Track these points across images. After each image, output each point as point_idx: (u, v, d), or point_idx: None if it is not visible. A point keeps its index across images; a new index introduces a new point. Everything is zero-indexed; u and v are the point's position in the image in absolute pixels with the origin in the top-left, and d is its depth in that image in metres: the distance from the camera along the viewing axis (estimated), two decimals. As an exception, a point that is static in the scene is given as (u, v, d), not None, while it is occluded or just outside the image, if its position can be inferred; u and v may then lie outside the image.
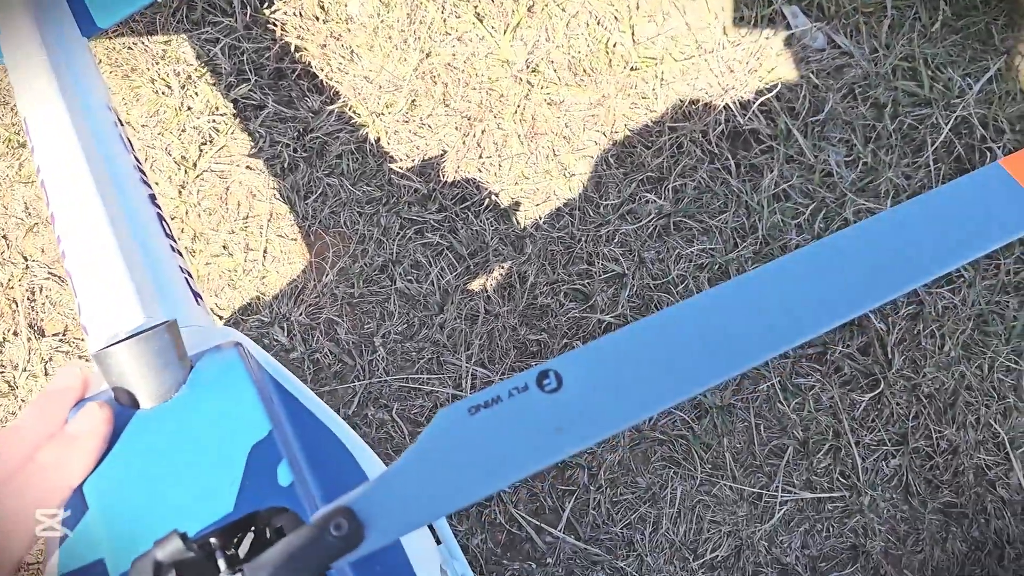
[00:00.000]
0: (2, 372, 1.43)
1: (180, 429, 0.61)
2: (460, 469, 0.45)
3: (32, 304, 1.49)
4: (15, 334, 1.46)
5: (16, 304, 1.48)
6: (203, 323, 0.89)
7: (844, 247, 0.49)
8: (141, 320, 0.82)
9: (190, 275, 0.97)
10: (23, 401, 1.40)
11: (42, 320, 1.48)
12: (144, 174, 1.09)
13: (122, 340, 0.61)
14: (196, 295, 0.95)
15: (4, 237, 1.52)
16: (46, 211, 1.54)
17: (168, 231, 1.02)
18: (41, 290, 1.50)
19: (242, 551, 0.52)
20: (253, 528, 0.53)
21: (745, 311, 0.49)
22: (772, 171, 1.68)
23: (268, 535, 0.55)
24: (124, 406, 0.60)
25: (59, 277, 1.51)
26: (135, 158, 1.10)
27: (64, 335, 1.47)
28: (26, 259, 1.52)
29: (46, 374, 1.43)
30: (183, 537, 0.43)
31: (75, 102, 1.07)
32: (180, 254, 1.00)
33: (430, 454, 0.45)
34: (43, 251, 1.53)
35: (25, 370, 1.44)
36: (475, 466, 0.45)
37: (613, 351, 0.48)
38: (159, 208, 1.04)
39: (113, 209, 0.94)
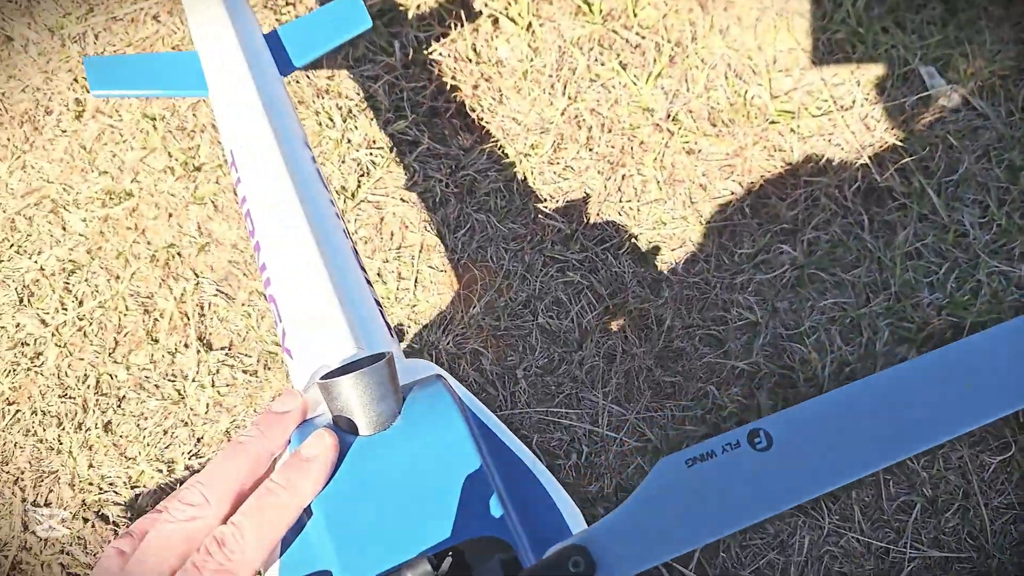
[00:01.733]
0: (173, 381, 1.48)
1: (398, 457, 0.62)
2: (679, 518, 0.45)
3: (202, 319, 1.53)
4: (186, 346, 1.50)
5: (187, 318, 1.52)
6: (398, 354, 0.91)
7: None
8: (353, 351, 0.84)
9: (381, 307, 1.00)
10: (191, 409, 1.45)
11: (210, 334, 1.52)
12: (336, 207, 1.12)
13: (346, 371, 0.64)
14: (388, 326, 0.98)
15: (179, 254, 1.57)
16: (240, 234, 1.59)
17: (361, 263, 1.05)
18: (210, 306, 1.54)
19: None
20: (451, 553, 0.55)
21: (941, 387, 0.50)
22: (906, 229, 1.65)
23: (468, 562, 0.56)
24: (345, 432, 0.62)
25: (227, 295, 1.55)
26: (329, 191, 1.13)
27: (230, 349, 1.51)
28: (197, 276, 1.56)
29: (213, 385, 1.46)
30: (431, 561, 0.44)
31: (280, 136, 1.11)
32: (371, 285, 1.03)
33: (651, 501, 0.45)
34: (212, 269, 1.57)
35: (194, 380, 1.47)
36: (692, 517, 0.45)
37: (820, 414, 0.48)
38: (352, 241, 1.07)
39: (321, 240, 0.97)
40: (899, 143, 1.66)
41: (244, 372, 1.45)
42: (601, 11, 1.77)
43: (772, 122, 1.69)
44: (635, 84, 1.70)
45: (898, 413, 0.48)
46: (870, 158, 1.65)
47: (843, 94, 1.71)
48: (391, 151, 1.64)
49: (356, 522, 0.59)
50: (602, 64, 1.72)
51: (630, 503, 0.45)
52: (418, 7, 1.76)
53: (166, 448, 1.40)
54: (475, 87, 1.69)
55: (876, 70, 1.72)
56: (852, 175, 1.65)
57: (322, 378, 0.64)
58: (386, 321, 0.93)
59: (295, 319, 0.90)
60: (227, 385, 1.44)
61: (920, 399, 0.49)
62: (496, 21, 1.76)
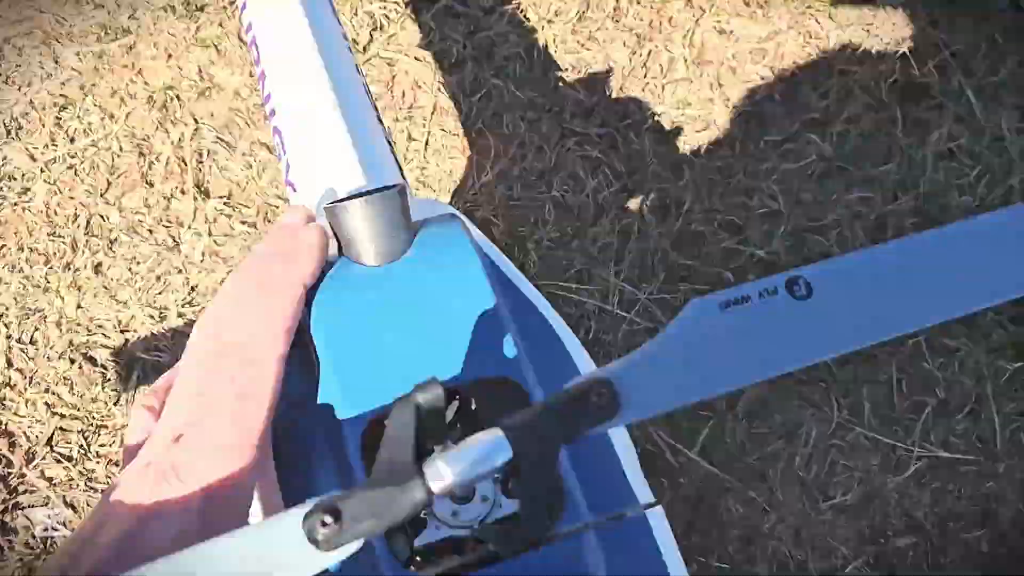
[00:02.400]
0: (168, 227, 1.40)
1: (407, 290, 0.57)
2: (708, 361, 0.43)
3: (200, 166, 1.44)
4: (182, 192, 1.42)
5: (185, 164, 1.44)
6: (410, 191, 0.85)
7: None
8: (363, 182, 0.78)
9: (392, 144, 0.94)
10: (186, 256, 1.37)
11: (208, 182, 1.43)
12: (348, 41, 1.04)
13: (354, 197, 0.58)
14: (399, 164, 0.92)
15: (178, 97, 1.47)
16: (252, 67, 1.50)
17: (372, 101, 0.98)
18: (209, 153, 1.45)
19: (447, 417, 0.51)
20: (458, 397, 0.52)
21: (988, 251, 0.47)
22: (940, 128, 1.58)
23: (473, 406, 0.53)
24: (352, 262, 0.57)
25: (227, 143, 1.46)
26: (341, 25, 1.06)
27: (229, 199, 1.42)
28: (196, 121, 1.47)
29: (210, 234, 1.38)
30: (442, 385, 0.42)
31: None
32: (382, 123, 0.96)
33: (680, 341, 0.43)
34: (212, 115, 1.47)
35: (190, 228, 1.40)
36: (722, 360, 0.43)
37: (862, 267, 0.46)
38: (364, 76, 1.00)
39: (330, 66, 0.90)
40: (941, 38, 1.58)
41: (243, 223, 1.38)
42: None
43: (809, 7, 1.60)
44: (669, -44, 1.61)
45: (942, 274, 0.46)
46: (909, 51, 1.57)
47: (886, -17, 1.62)
48: (406, 6, 1.54)
49: (360, 355, 0.54)
50: (636, -67, 1.62)
51: (657, 342, 0.43)
52: None
53: (159, 294, 1.34)
54: (500, -54, 1.60)
55: (923, -40, 1.64)
56: (889, 68, 1.57)
57: (327, 204, 0.59)
58: (396, 159, 0.87)
59: (301, 150, 0.84)
60: (224, 235, 1.37)
61: (965, 262, 0.46)
62: None
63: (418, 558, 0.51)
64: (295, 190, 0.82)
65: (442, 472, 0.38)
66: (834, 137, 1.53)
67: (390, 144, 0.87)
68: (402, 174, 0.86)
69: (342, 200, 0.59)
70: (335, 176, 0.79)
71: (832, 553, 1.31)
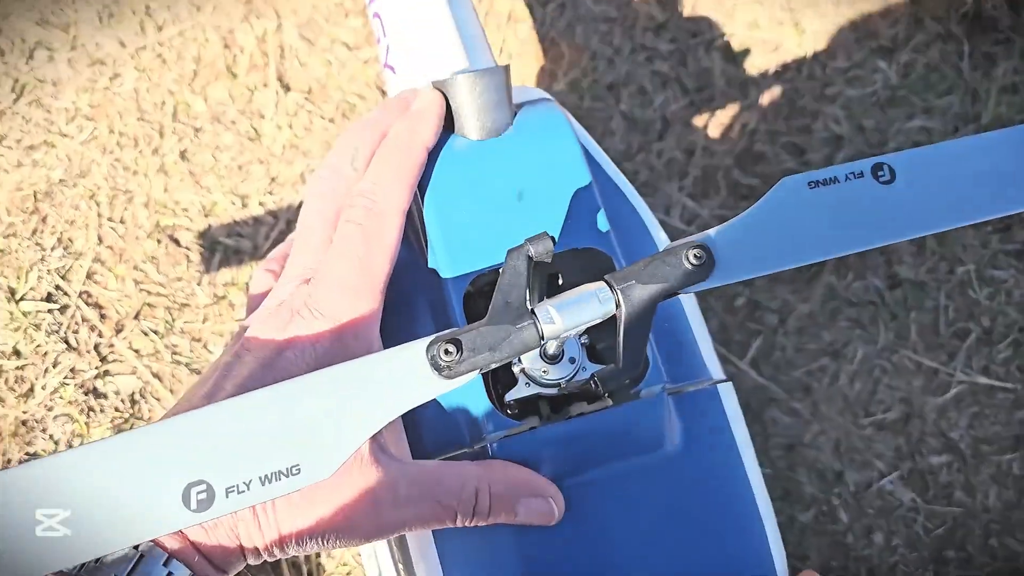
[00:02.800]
0: (250, 118, 1.45)
1: (509, 164, 0.61)
2: (797, 232, 0.47)
3: (282, 60, 1.48)
4: (265, 85, 1.46)
5: (267, 57, 1.48)
6: None
7: None
8: (466, 63, 0.82)
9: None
10: (267, 148, 1.43)
11: (289, 77, 1.47)
12: None
13: (461, 72, 0.62)
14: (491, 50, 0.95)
15: None
16: None
17: None
18: (291, 48, 1.49)
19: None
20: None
21: None
22: (1007, 62, 1.60)
23: (560, 280, 0.57)
24: (452, 134, 0.60)
25: (308, 40, 1.49)
26: None
27: (309, 94, 1.46)
28: (279, 16, 1.49)
29: (290, 127, 1.43)
30: (552, 240, 0.45)
31: None
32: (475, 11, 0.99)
33: (772, 214, 0.47)
34: (295, 12, 1.51)
35: (271, 120, 1.45)
36: (809, 233, 0.47)
37: (943, 157, 0.49)
38: None
39: None
40: (1016, -29, 1.58)
41: (321, 118, 1.42)
42: None
43: (887, -67, 1.60)
44: None
45: (1013, 170, 0.49)
46: (984, -17, 1.57)
47: (965, -87, 1.61)
48: (487, -86, 1.56)
49: (463, 221, 0.58)
50: None
51: (751, 213, 0.46)
52: None
53: (241, 182, 1.39)
54: None
55: None
56: (960, 0, 1.58)
57: (434, 81, 0.62)
58: (490, 46, 0.90)
59: (403, 33, 0.88)
60: (304, 129, 1.41)
61: None
62: None
63: (509, 411, 0.56)
64: (395, 72, 0.86)
65: (553, 316, 0.42)
66: (900, 66, 1.54)
67: (484, 34, 0.91)
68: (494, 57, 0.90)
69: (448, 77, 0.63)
70: (439, 58, 0.83)
71: (868, 466, 1.38)
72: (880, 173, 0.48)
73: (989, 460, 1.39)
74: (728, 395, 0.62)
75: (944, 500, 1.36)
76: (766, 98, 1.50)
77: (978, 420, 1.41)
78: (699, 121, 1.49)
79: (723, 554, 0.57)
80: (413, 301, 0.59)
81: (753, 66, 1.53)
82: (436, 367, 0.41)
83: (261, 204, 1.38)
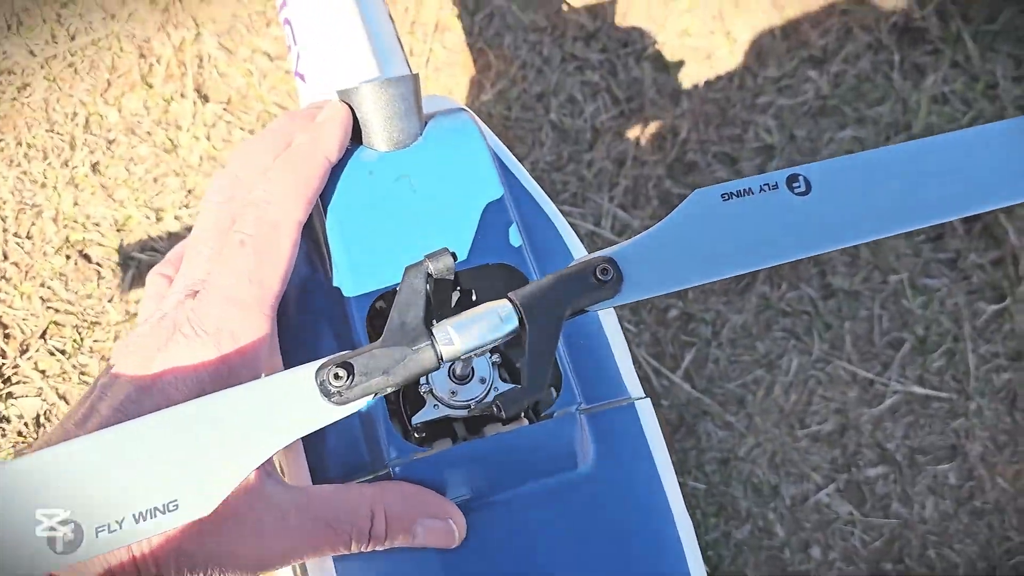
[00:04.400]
0: (166, 129, 1.41)
1: (417, 175, 0.59)
2: (708, 247, 0.45)
3: (200, 70, 1.44)
4: (182, 95, 1.42)
5: (185, 67, 1.44)
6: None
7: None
8: (376, 72, 0.79)
9: (400, 40, 0.95)
10: (184, 160, 1.38)
11: (208, 87, 1.44)
12: None
13: (368, 81, 0.60)
14: (406, 58, 0.93)
15: (180, 1, 1.49)
16: None
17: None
18: (209, 58, 1.45)
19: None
20: (459, 285, 0.54)
21: (980, 160, 0.49)
22: (936, 72, 1.61)
23: (474, 296, 0.55)
24: (362, 147, 0.59)
25: (228, 49, 1.45)
26: None
27: (228, 105, 1.42)
28: (198, 25, 1.45)
29: (208, 139, 1.39)
30: (453, 256, 0.43)
31: None
32: (392, 19, 0.97)
33: (684, 227, 0.45)
34: (214, 20, 1.46)
35: (188, 131, 1.40)
36: (721, 246, 0.46)
37: (859, 167, 0.48)
38: None
39: None
40: (944, -18, 1.60)
41: (241, 129, 1.39)
42: None
43: (816, -56, 1.61)
44: None
45: (934, 179, 0.48)
46: (912, -6, 1.59)
47: (893, -75, 1.63)
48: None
49: (369, 236, 0.55)
50: None
51: (661, 227, 0.45)
52: None
53: (155, 195, 1.34)
54: None
55: (931, -96, 1.64)
56: (890, 10, 1.58)
57: (340, 89, 0.59)
58: (405, 55, 0.88)
59: (312, 40, 0.85)
60: (223, 140, 1.37)
61: (956, 169, 0.48)
62: None
63: (415, 435, 0.53)
64: (304, 80, 0.84)
65: (452, 337, 0.40)
66: (832, 75, 1.54)
67: (399, 40, 0.89)
68: (408, 64, 0.88)
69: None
70: (348, 66, 0.80)
71: (804, 479, 1.36)
72: (795, 184, 0.46)
73: (925, 471, 1.38)
74: (646, 413, 0.59)
75: (881, 512, 1.35)
76: (697, 107, 1.49)
77: (913, 430, 1.40)
78: (630, 131, 1.47)
79: (639, 574, 0.54)
80: (315, 322, 0.56)
81: (684, 75, 1.52)
82: (326, 393, 0.39)
83: (177, 218, 1.34)
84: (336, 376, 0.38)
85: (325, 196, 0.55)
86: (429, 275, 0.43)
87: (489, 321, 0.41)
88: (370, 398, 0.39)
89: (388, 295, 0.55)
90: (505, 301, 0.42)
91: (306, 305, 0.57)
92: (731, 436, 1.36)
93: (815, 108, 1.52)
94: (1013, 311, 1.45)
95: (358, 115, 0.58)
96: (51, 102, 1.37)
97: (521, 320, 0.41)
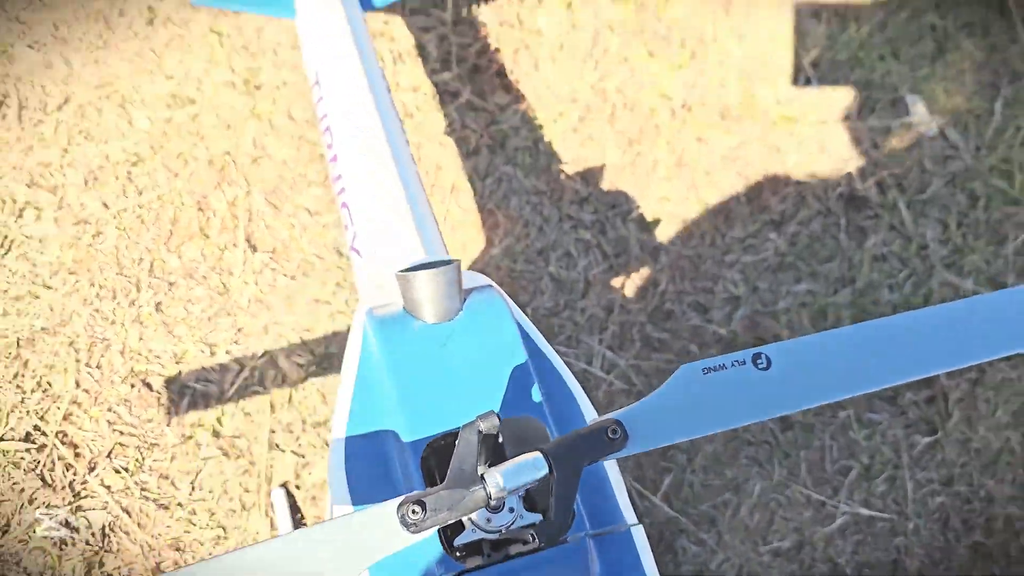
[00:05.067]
0: (220, 275, 1.61)
1: (459, 344, 0.76)
2: (695, 410, 0.60)
3: (250, 223, 1.66)
4: (234, 245, 1.63)
5: (237, 220, 1.67)
6: None
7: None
8: (423, 256, 1.01)
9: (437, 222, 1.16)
10: (235, 302, 1.59)
11: (256, 238, 1.66)
12: (403, 128, 1.27)
13: (420, 268, 0.76)
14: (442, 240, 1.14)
15: (234, 162, 1.68)
16: (290, 153, 1.71)
17: (421, 182, 1.20)
18: (258, 213, 1.68)
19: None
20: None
21: (905, 342, 0.66)
22: (876, 235, 1.88)
23: (499, 439, 0.67)
24: (414, 318, 0.76)
25: (274, 205, 1.67)
26: (398, 114, 1.28)
27: (273, 254, 1.64)
28: (248, 184, 1.69)
29: (256, 284, 1.59)
30: (498, 416, 0.57)
31: (365, 63, 1.25)
32: (430, 203, 1.18)
33: (674, 395, 0.60)
34: (263, 180, 1.70)
35: (239, 277, 1.62)
36: (704, 410, 0.60)
37: (812, 348, 0.63)
38: (414, 162, 1.22)
39: (397, 157, 1.12)
40: (881, 159, 1.88)
41: (284, 276, 1.60)
42: (636, 0, 1.95)
43: (774, 124, 1.90)
44: (659, 71, 1.90)
45: (872, 354, 0.65)
46: (855, 169, 1.87)
47: (839, 109, 1.92)
48: (434, 98, 1.80)
49: (421, 391, 0.75)
50: (632, 48, 1.91)
51: (657, 394, 0.61)
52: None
53: (209, 332, 1.55)
54: (515, 51, 1.86)
55: (870, 92, 1.94)
56: (837, 181, 1.86)
57: (399, 271, 0.80)
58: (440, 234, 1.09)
59: (369, 224, 1.06)
60: (269, 285, 1.59)
61: (891, 346, 0.66)
62: (541, -6, 1.93)
63: (458, 553, 0.71)
64: (360, 255, 1.04)
65: (499, 482, 0.56)
66: (788, 236, 1.81)
67: (435, 220, 1.10)
68: (444, 246, 1.09)
69: (409, 270, 0.81)
70: (401, 250, 1.02)
71: (767, 590, 1.56)
72: (759, 361, 0.65)
73: (871, 584, 1.59)
74: (640, 536, 0.78)
75: (833, 622, 1.55)
76: (674, 262, 1.74)
77: (861, 547, 1.62)
78: (617, 282, 1.72)
79: None
80: (378, 457, 0.75)
81: (663, 235, 1.77)
82: (405, 524, 0.54)
83: (228, 352, 1.54)
84: (413, 511, 0.53)
85: (385, 358, 0.73)
86: (480, 432, 0.57)
87: (527, 469, 0.57)
88: (436, 528, 0.54)
89: (435, 441, 0.72)
90: (538, 454, 0.57)
91: (370, 445, 0.76)
92: (703, 551, 1.56)
93: (774, 264, 1.77)
94: (944, 443, 1.69)
95: (413, 294, 0.76)
96: (121, 249, 1.58)
97: (550, 468, 0.57)
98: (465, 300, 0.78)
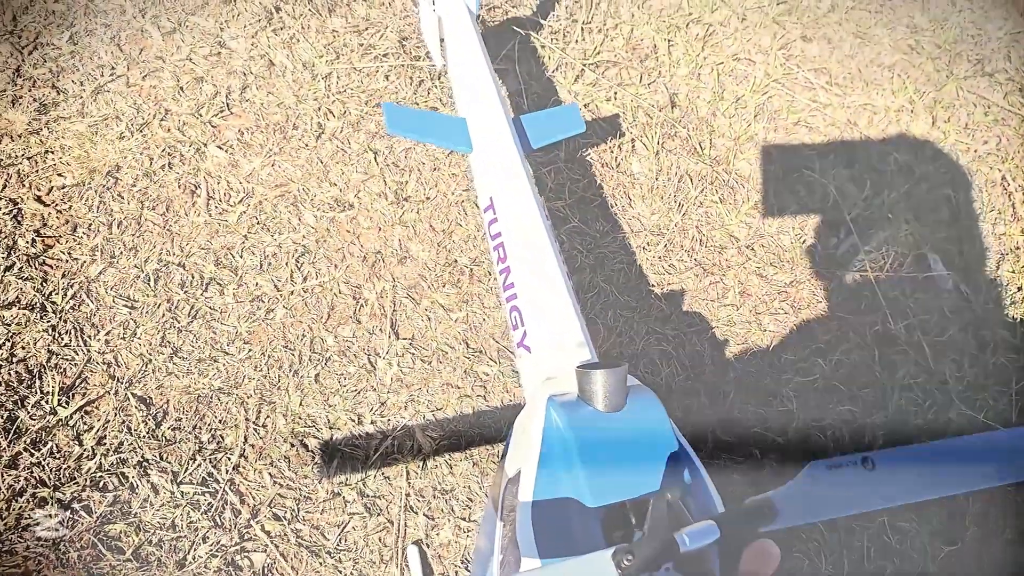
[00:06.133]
0: (368, 355, 1.81)
1: (625, 431, 0.86)
2: (824, 497, 0.70)
3: (394, 312, 1.87)
4: (380, 330, 1.83)
5: (384, 309, 1.87)
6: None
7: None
8: (589, 356, 1.19)
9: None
10: (380, 379, 1.78)
11: (399, 325, 1.87)
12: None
13: (597, 367, 0.87)
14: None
15: (383, 260, 1.89)
16: (431, 256, 1.92)
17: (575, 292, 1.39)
18: (400, 304, 1.89)
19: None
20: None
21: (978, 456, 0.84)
22: (904, 368, 2.13)
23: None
24: (589, 406, 0.88)
25: (414, 299, 1.89)
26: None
27: (412, 341, 1.85)
28: (394, 279, 1.91)
29: (398, 365, 1.79)
30: (681, 490, 0.68)
31: (535, 194, 1.47)
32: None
33: (808, 483, 0.70)
34: (405, 277, 1.92)
35: (384, 358, 1.81)
36: (828, 499, 0.70)
37: (906, 455, 0.75)
38: (570, 276, 1.42)
39: (563, 271, 1.32)
40: (909, 305, 2.14)
41: (422, 361, 1.80)
42: (710, 155, 2.23)
43: (821, 268, 2.16)
44: (728, 215, 2.16)
45: (949, 466, 0.78)
46: (888, 311, 2.12)
47: (875, 259, 2.19)
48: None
49: (599, 465, 0.89)
50: (706, 195, 2.17)
51: (795, 483, 0.71)
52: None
53: (358, 404, 1.73)
54: (614, 189, 2.12)
55: (898, 247, 2.22)
56: (873, 320, 2.11)
57: (579, 367, 0.93)
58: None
59: (539, 325, 1.24)
60: (408, 368, 1.78)
61: (961, 462, 0.79)
62: (633, 143, 2.21)
63: None
64: (530, 351, 1.22)
65: (687, 539, 0.65)
66: (833, 363, 2.04)
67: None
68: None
69: (586, 366, 0.93)
70: (569, 350, 1.19)
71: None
72: (867, 463, 0.81)
73: (901, 670, 1.76)
74: None
75: None
76: (741, 377, 1.96)
77: (892, 638, 1.79)
78: (692, 390, 1.93)
79: None
80: (564, 518, 0.85)
81: (731, 352, 2.00)
82: (619, 566, 0.62)
83: (373, 423, 1.71)
84: (627, 559, 0.62)
85: (568, 436, 0.85)
86: (668, 501, 0.69)
87: (706, 533, 0.66)
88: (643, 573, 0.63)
89: (612, 505, 0.83)
90: (712, 522, 0.67)
91: (557, 508, 0.93)
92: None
93: (821, 386, 2.00)
94: (965, 550, 1.89)
95: (589, 387, 0.87)
96: (287, 325, 1.76)
97: (721, 533, 0.67)
98: (627, 396, 0.89)
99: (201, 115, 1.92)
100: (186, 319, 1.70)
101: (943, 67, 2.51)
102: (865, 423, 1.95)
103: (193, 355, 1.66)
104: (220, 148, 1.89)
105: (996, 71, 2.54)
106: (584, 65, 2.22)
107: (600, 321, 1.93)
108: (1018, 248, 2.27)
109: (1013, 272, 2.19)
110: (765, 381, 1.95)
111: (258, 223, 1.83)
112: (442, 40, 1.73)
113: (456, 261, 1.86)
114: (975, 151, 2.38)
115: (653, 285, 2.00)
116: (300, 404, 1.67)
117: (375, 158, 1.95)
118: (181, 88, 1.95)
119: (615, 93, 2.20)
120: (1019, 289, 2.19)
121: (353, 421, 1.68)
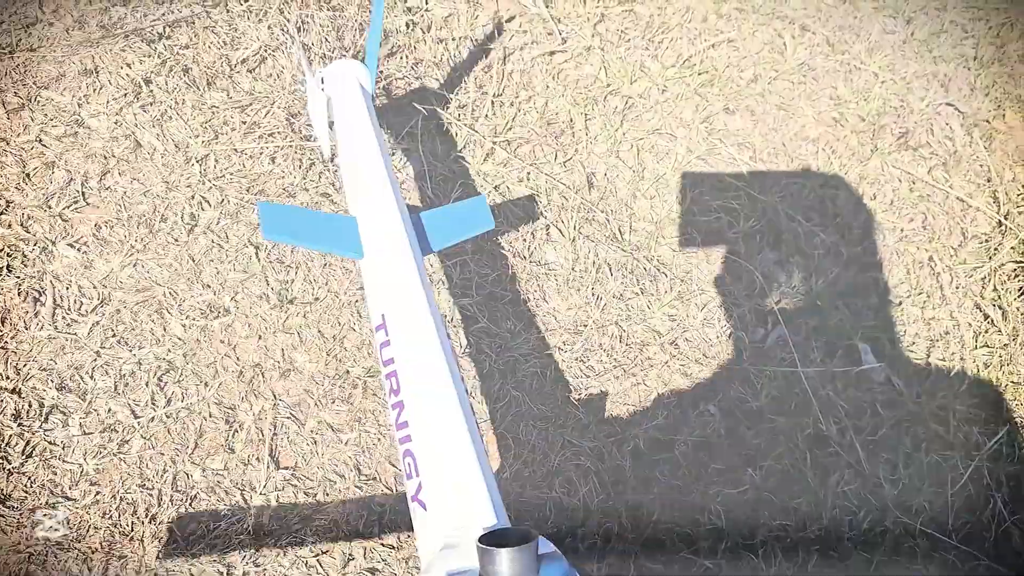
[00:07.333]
0: (242, 490, 1.52)
1: None
2: None
3: (274, 437, 1.59)
4: (258, 459, 1.55)
5: (263, 434, 1.59)
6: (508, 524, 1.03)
7: None
8: (494, 521, 0.97)
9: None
10: (254, 519, 1.50)
11: (280, 453, 1.59)
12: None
13: (500, 537, 0.75)
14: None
15: (263, 374, 1.62)
16: (318, 368, 1.65)
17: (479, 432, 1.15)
18: (282, 426, 1.60)
19: None
20: None
21: None
22: (838, 472, 1.93)
23: None
24: None
25: (299, 420, 1.60)
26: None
27: (295, 470, 1.57)
28: (275, 397, 1.62)
29: (277, 501, 1.52)
30: None
31: (432, 313, 1.22)
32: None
33: None
34: (288, 393, 1.64)
35: (261, 493, 1.53)
36: None
37: None
38: (473, 412, 1.17)
39: (465, 414, 1.08)
40: (841, 404, 1.95)
41: (305, 494, 1.52)
42: (630, 241, 2.02)
43: (748, 364, 1.96)
44: (650, 309, 1.94)
45: None
46: (819, 411, 1.93)
47: (803, 352, 2.00)
48: (451, 321, 1.79)
49: None
50: (626, 286, 1.95)
51: None
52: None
53: (227, 552, 1.44)
54: (527, 282, 1.88)
55: (827, 338, 2.03)
56: (803, 421, 1.91)
57: (480, 541, 0.79)
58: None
59: (438, 479, 1.00)
60: (290, 503, 1.50)
61: None
62: (548, 229, 1.98)
63: None
64: (425, 509, 0.97)
65: None
66: (763, 471, 1.83)
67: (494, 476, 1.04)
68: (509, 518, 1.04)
69: (490, 540, 0.79)
70: (472, 513, 0.95)
71: None
72: None
73: None
74: None
75: None
76: (665, 493, 1.73)
77: None
78: (613, 510, 1.69)
79: None
80: None
81: (654, 463, 1.77)
82: None
83: (245, 574, 1.43)
84: None
85: None
86: None
87: None
88: None
89: None
90: None
91: None
92: None
93: (752, 499, 1.79)
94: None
95: (492, 567, 0.74)
96: (145, 459, 1.47)
97: None
98: (539, 570, 0.75)
99: (51, 207, 1.61)
100: (18, 459, 1.39)
101: (867, 140, 2.35)
102: (798, 539, 1.74)
103: (26, 503, 1.35)
104: (71, 246, 1.59)
105: (920, 145, 2.39)
106: (494, 143, 1.98)
107: (511, 435, 1.68)
108: (947, 334, 2.11)
109: (943, 360, 2.03)
110: (691, 496, 1.73)
111: (114, 336, 1.53)
112: (331, 124, 1.48)
113: (348, 372, 1.60)
114: (901, 230, 2.22)
115: (570, 391, 1.76)
116: (157, 558, 1.37)
117: (256, 254, 1.68)
118: (27, 175, 1.65)
119: (528, 173, 1.97)
120: (949, 376, 2.02)
121: (221, 574, 1.39)
